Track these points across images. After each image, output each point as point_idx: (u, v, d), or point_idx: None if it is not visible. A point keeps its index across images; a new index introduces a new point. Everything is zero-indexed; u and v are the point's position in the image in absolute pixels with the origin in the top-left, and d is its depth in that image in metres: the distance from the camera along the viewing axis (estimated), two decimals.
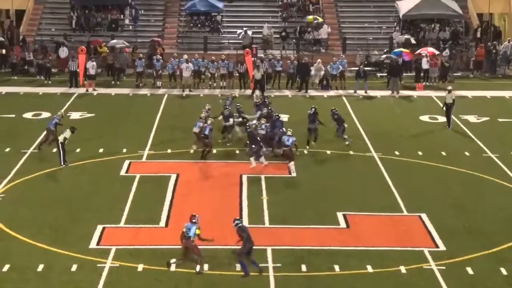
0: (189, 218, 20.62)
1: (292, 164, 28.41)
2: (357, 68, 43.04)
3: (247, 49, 44.33)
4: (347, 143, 31.54)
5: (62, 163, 28.31)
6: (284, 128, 30.27)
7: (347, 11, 52.37)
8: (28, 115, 35.84)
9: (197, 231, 20.32)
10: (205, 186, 26.95)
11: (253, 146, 28.74)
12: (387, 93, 42.01)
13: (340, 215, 24.21)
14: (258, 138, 29.15)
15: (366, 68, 43.03)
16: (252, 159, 28.75)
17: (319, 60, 43.52)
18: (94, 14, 50.14)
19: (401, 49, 45.58)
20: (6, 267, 20.25)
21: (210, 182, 27.38)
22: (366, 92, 41.74)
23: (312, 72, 42.94)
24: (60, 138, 28.34)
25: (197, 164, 29.27)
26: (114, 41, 46.43)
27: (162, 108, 37.64)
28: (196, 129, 29.88)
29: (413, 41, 47.23)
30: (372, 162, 30.00)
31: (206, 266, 20.41)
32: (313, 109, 31.69)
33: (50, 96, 39.88)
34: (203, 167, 29.01)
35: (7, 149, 30.37)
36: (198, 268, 20.19)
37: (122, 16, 50.46)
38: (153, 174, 27.78)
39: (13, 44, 47.46)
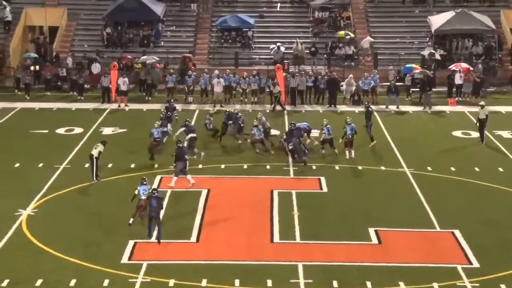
0: (140, 181, 24.55)
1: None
2: (388, 84, 42.86)
3: (278, 64, 44.40)
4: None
5: (94, 178, 28.48)
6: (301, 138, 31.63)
7: (379, 26, 52.23)
8: (61, 130, 36.12)
9: (149, 191, 23.74)
10: (236, 201, 26.92)
11: (179, 163, 28.11)
12: (419, 108, 41.78)
13: (372, 231, 24.05)
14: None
15: (397, 84, 42.85)
16: (174, 177, 28.05)
17: (351, 75, 43.41)
18: (126, 30, 50.56)
19: (412, 65, 45.32)
20: (39, 282, 20.36)
21: (241, 197, 27.35)
22: (398, 108, 41.53)
23: (344, 87, 42.87)
24: (95, 153, 28.53)
25: (228, 179, 29.29)
26: (145, 57, 46.73)
27: (193, 124, 37.66)
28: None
29: (437, 56, 46.94)
30: (404, 177, 29.79)
31: (237, 282, 20.36)
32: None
33: (83, 112, 40.20)
34: (234, 182, 29.01)
35: (40, 165, 30.62)
36: (131, 220, 23.96)
37: (153, 32, 50.76)
38: (184, 190, 27.81)
39: (47, 60, 47.93)
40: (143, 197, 24.07)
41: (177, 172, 28.09)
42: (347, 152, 31.97)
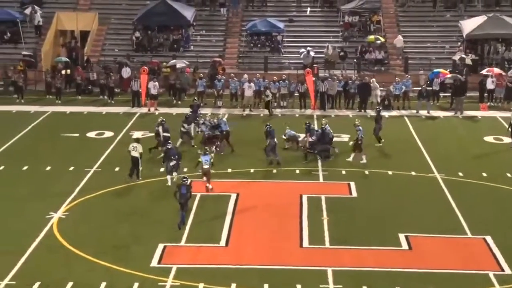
0: (203, 152, 28.22)
1: None
2: (419, 88, 42.61)
3: (308, 69, 44.34)
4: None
5: (139, 178, 28.98)
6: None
7: (409, 30, 51.99)
8: (91, 134, 36.34)
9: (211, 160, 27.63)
10: (265, 205, 26.89)
11: (167, 162, 28.91)
12: (450, 113, 41.48)
13: (402, 236, 23.89)
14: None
15: (428, 88, 42.58)
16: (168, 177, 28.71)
17: (373, 79, 43.19)
18: (156, 35, 50.78)
19: (440, 69, 44.97)
20: (69, 285, 20.47)
21: (270, 201, 27.31)
22: (428, 113, 41.26)
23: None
24: (136, 154, 28.89)
25: (257, 184, 29.28)
26: (174, 60, 46.91)
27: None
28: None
29: (468, 61, 46.56)
30: (435, 183, 29.57)
31: (266, 286, 20.33)
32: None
33: (113, 116, 40.41)
34: (263, 186, 28.99)
35: (71, 168, 30.83)
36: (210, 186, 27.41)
37: (183, 37, 50.91)
38: (213, 194, 27.83)
39: (78, 64, 48.31)
40: (206, 166, 27.60)
41: (168, 171, 28.81)
42: (352, 155, 31.66)
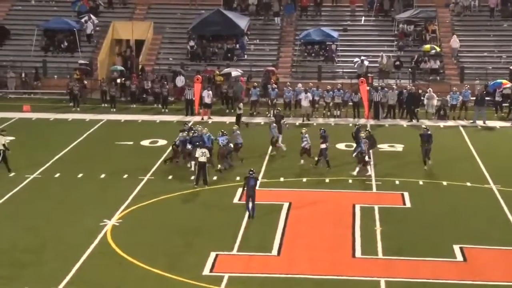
0: (221, 133, 31.26)
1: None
2: (474, 98, 42.02)
3: (362, 78, 44.11)
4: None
5: (207, 183, 29.38)
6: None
7: (465, 40, 51.35)
8: (145, 142, 36.65)
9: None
10: (317, 215, 26.76)
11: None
12: (507, 124, 40.80)
13: (456, 247, 23.52)
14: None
15: (487, 98, 41.99)
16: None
17: (429, 89, 42.78)
18: (210, 44, 51.06)
19: (502, 80, 44.23)
20: None
21: (322, 211, 27.18)
22: (484, 123, 40.65)
23: (425, 102, 42.29)
24: (204, 159, 29.16)
25: (310, 193, 29.16)
26: (228, 69, 47.09)
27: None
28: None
29: None
30: (491, 194, 29.09)
31: None
32: (426, 130, 31.53)
33: (167, 124, 40.70)
34: (316, 195, 28.87)
35: (125, 176, 31.10)
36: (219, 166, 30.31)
37: (237, 45, 51.15)
38: (265, 202, 27.80)
39: (133, 73, 48.85)
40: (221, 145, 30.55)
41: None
42: (356, 169, 30.96)
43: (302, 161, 32.24)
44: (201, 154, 29.23)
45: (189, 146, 31.62)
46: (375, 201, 28.11)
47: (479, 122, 40.74)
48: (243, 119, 39.98)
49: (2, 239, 24.21)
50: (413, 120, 41.28)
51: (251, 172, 26.29)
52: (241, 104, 41.02)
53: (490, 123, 40.77)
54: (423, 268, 22.17)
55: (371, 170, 31.07)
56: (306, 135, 32.26)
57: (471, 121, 40.93)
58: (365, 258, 23.01)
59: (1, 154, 31.14)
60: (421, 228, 25.48)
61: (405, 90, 42.47)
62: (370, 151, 32.25)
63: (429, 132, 31.38)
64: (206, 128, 33.01)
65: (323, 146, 31.86)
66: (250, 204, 25.98)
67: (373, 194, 29.15)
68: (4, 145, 31.34)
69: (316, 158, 31.92)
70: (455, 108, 42.09)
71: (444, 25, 52.73)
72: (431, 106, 42.00)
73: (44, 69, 49.99)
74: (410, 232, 25.10)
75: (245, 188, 26.26)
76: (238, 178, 30.19)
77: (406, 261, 22.74)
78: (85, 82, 47.96)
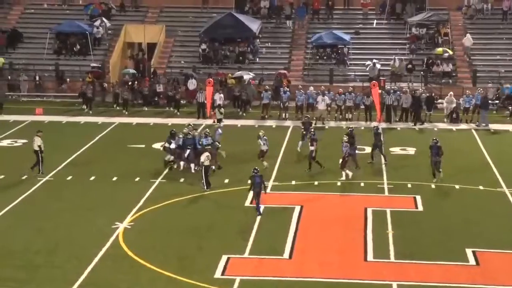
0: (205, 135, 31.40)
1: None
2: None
3: (374, 81, 44.05)
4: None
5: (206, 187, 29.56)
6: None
7: (478, 43, 51.18)
8: (157, 145, 36.64)
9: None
10: (329, 218, 26.72)
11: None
12: None
13: (469, 251, 23.44)
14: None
15: (496, 101, 41.88)
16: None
17: (450, 92, 42.71)
18: (222, 47, 51.10)
19: None
20: None
21: (334, 214, 27.13)
22: (486, 126, 40.46)
23: (444, 105, 42.21)
24: (208, 163, 29.50)
25: (322, 196, 29.12)
26: (240, 72, 47.11)
27: (287, 140, 37.78)
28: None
29: None
30: (503, 197, 28.98)
31: None
32: (435, 141, 30.72)
33: (179, 127, 40.64)
34: (327, 199, 28.83)
35: (137, 179, 31.15)
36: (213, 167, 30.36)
37: (249, 49, 51.18)
38: (277, 206, 27.79)
39: (145, 76, 48.93)
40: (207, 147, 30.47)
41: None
42: (343, 174, 30.77)
43: (265, 163, 31.90)
44: (206, 158, 29.26)
45: (174, 146, 32.12)
46: (387, 204, 28.04)
47: (492, 126, 40.59)
48: (222, 124, 39.25)
49: (15, 241, 24.31)
50: (417, 124, 41.10)
51: (255, 171, 26.89)
52: (222, 109, 41.16)
53: (503, 127, 40.62)
54: (435, 272, 22.10)
55: (345, 175, 30.82)
56: (265, 137, 32.13)
57: (477, 123, 40.83)
58: (377, 261, 22.96)
59: (39, 155, 31.22)
60: (434, 231, 25.40)
61: (423, 95, 42.28)
62: (377, 150, 32.52)
63: (438, 144, 30.46)
64: (198, 131, 33.10)
65: (311, 148, 31.55)
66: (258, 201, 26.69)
67: (385, 198, 29.09)
68: (39, 146, 31.39)
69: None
70: (468, 111, 41.96)
71: (457, 28, 52.60)
72: (449, 109, 41.87)
73: (57, 72, 50.18)
74: (422, 235, 25.03)
75: (252, 187, 26.98)
76: (249, 181, 30.13)
77: (418, 265, 22.67)
78: (105, 84, 48.14)
